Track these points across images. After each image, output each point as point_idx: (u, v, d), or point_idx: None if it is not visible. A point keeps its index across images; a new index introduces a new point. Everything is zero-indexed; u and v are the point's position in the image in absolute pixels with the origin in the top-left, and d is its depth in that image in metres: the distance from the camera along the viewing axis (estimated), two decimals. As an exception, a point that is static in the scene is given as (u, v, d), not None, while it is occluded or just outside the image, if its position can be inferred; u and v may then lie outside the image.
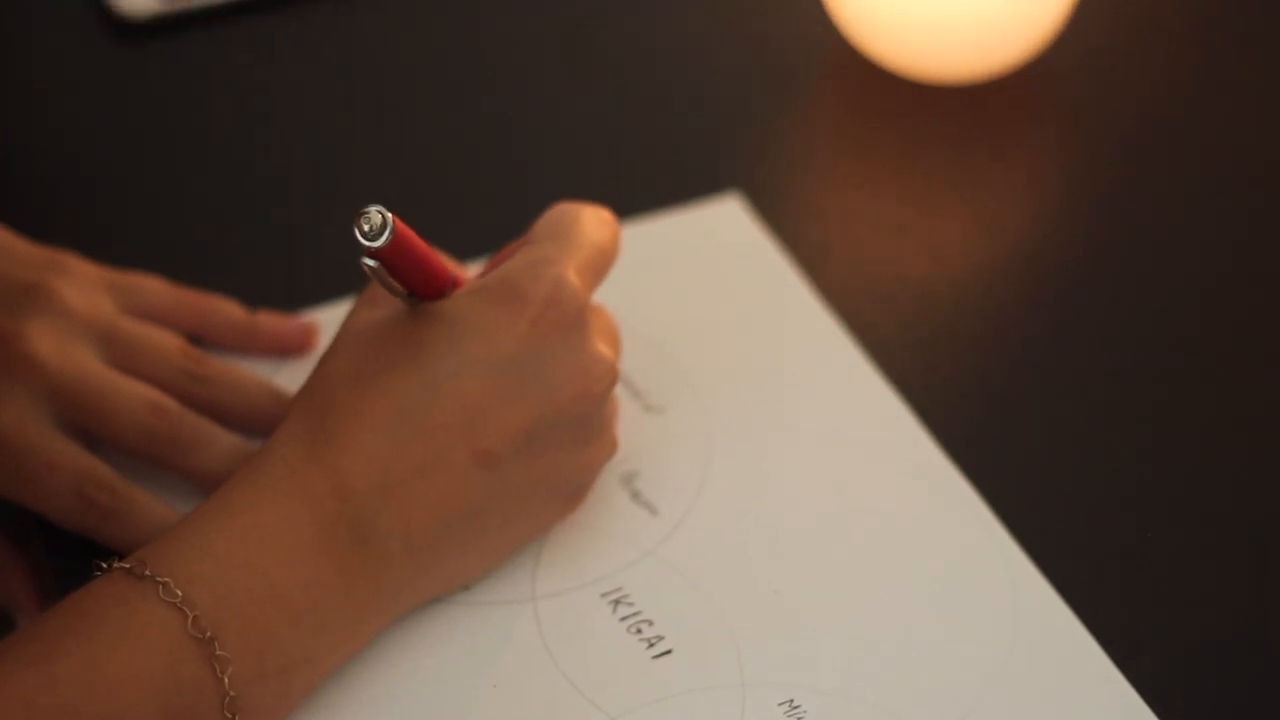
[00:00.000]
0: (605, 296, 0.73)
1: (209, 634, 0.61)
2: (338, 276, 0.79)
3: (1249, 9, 0.97)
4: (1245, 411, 0.78)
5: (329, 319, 0.79)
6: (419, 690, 0.67)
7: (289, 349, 0.78)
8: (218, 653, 0.61)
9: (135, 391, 0.72)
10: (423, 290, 0.67)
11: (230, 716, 0.61)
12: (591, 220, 0.70)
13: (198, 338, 0.77)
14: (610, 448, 0.70)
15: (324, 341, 0.78)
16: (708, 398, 0.76)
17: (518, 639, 0.68)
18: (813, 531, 0.72)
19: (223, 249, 0.84)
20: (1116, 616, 0.69)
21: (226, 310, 0.77)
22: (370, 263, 0.64)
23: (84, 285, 0.74)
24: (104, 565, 0.62)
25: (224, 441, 0.72)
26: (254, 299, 0.78)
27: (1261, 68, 0.94)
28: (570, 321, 0.67)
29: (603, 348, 0.68)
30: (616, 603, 0.70)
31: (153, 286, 0.76)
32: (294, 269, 0.82)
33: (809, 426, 0.76)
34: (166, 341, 0.74)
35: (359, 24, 0.95)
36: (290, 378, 0.77)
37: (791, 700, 0.67)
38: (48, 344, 0.71)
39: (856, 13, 0.88)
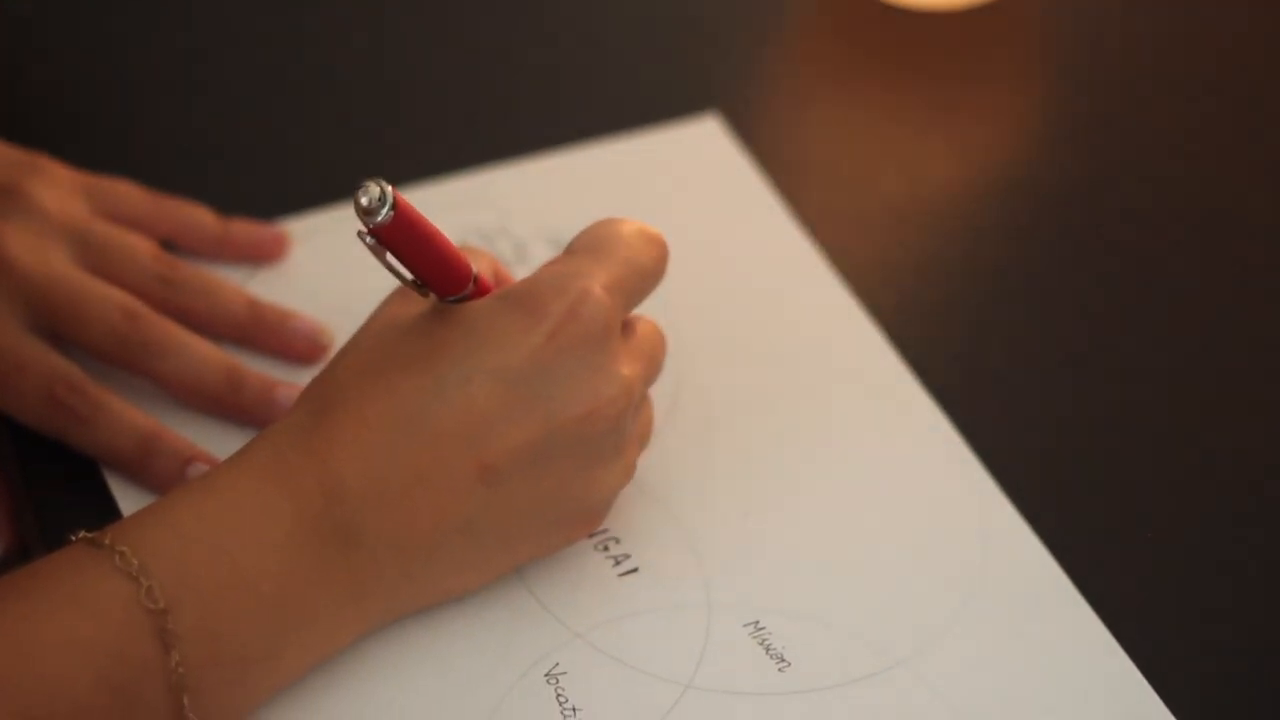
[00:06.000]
0: (577, 219, 0.72)
1: (162, 605, 0.58)
2: (314, 187, 0.79)
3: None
4: (1220, 341, 0.78)
5: (302, 228, 0.79)
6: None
7: (261, 256, 0.78)
8: (168, 626, 0.58)
9: (107, 295, 0.71)
10: (434, 281, 0.64)
11: (178, 698, 0.59)
12: (634, 236, 0.67)
13: (171, 244, 0.76)
14: (625, 474, 0.67)
15: (297, 250, 0.78)
16: (680, 318, 0.76)
17: (485, 554, 0.69)
18: (782, 454, 0.72)
19: (198, 156, 0.83)
20: (1083, 541, 0.70)
21: (200, 216, 0.77)
22: (368, 239, 0.61)
23: (58, 187, 0.74)
24: (73, 537, 0.60)
25: (195, 347, 0.72)
26: (229, 207, 0.78)
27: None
28: (591, 338, 0.64)
29: (625, 370, 0.65)
30: (584, 520, 0.70)
31: (126, 191, 0.76)
32: (270, 178, 0.82)
33: (781, 349, 0.76)
34: (139, 246, 0.74)
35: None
36: (262, 285, 0.76)
37: (757, 622, 0.67)
38: (20, 245, 0.71)
39: (841, -66, 0.88)
